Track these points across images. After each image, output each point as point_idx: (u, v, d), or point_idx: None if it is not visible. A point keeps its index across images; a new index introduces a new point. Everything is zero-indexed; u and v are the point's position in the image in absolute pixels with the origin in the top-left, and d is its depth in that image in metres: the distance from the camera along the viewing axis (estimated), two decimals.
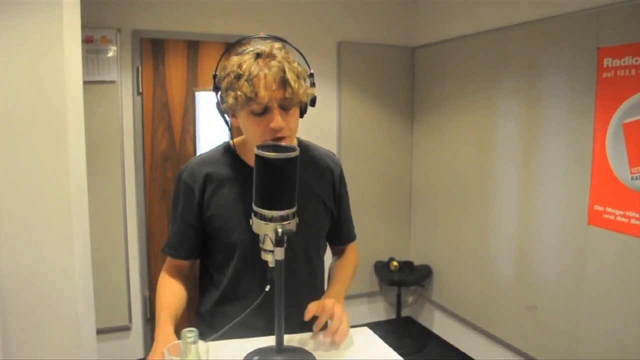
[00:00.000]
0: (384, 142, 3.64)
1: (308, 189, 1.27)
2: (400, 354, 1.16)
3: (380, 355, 1.18)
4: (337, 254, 1.48)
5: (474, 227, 3.12)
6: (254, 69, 1.10)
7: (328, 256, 1.43)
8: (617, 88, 2.20)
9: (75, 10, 1.92)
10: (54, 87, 1.79)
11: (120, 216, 3.01)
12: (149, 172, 3.10)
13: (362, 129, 3.56)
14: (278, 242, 1.02)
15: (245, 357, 1.10)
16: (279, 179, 1.02)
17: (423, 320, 3.72)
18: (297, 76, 1.13)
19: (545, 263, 2.61)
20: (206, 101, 3.18)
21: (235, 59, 1.13)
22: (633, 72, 2.13)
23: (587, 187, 2.35)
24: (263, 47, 1.13)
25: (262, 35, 1.18)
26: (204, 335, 1.01)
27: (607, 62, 2.23)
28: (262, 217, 1.03)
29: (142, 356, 3.14)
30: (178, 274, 1.32)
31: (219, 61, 1.19)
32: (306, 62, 1.21)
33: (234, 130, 1.25)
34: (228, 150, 1.29)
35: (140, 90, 3.02)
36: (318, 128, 2.95)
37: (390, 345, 1.21)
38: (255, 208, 1.04)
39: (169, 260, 1.32)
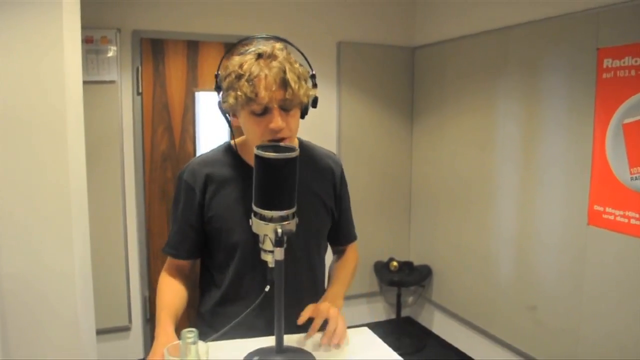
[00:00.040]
0: (384, 142, 3.64)
1: (308, 189, 1.27)
2: (400, 354, 1.16)
3: (380, 356, 1.18)
4: (338, 254, 1.48)
5: (473, 227, 3.12)
6: (255, 69, 1.09)
7: (329, 256, 1.43)
8: (616, 88, 2.20)
9: (75, 11, 1.92)
10: (54, 87, 1.79)
11: (120, 216, 3.00)
12: (148, 172, 3.10)
13: (362, 129, 3.56)
14: (278, 243, 1.02)
15: (245, 357, 1.10)
16: (279, 179, 1.02)
17: (423, 320, 3.72)
18: (298, 77, 1.13)
19: (545, 263, 2.61)
20: (206, 101, 3.18)
21: (236, 59, 1.13)
22: (633, 72, 2.13)
23: (586, 187, 2.35)
24: (265, 47, 1.13)
25: (265, 36, 1.18)
26: (204, 336, 1.01)
27: (607, 62, 2.23)
28: (262, 218, 1.03)
29: (141, 356, 3.14)
30: (178, 274, 1.32)
31: (221, 61, 1.19)
32: (308, 63, 1.21)
33: (235, 130, 1.25)
34: (229, 151, 1.29)
35: (140, 91, 3.02)
36: (318, 128, 2.94)
37: (390, 346, 1.21)
38: (254, 208, 1.04)
39: (169, 260, 1.32)
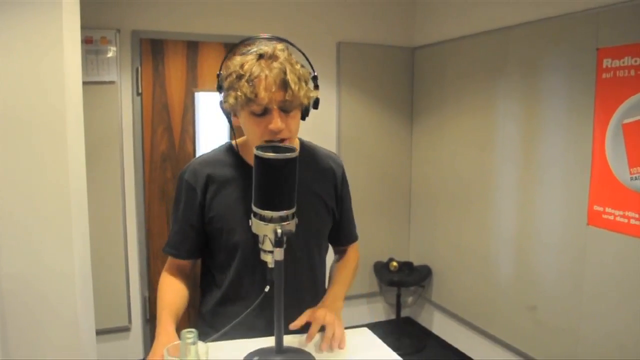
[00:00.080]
0: (384, 143, 3.64)
1: (309, 190, 1.27)
2: (400, 355, 1.16)
3: (379, 356, 1.18)
4: (339, 254, 1.48)
5: (473, 227, 3.12)
6: (255, 70, 1.09)
7: (330, 256, 1.43)
8: (616, 88, 2.20)
9: (74, 11, 1.92)
10: (54, 87, 1.79)
11: (119, 216, 3.00)
12: (148, 172, 3.10)
13: (362, 129, 3.57)
14: (277, 243, 1.02)
15: (245, 357, 1.10)
16: (278, 179, 1.02)
17: (422, 320, 3.72)
18: (299, 78, 1.12)
19: (545, 263, 2.61)
20: (206, 102, 3.18)
21: (238, 59, 1.13)
22: (632, 72, 2.13)
23: (586, 187, 2.35)
24: (266, 48, 1.13)
25: (266, 36, 1.18)
26: (205, 336, 1.01)
27: (607, 62, 2.24)
28: (262, 218, 1.03)
29: (141, 357, 3.14)
30: (179, 274, 1.32)
31: (223, 61, 1.19)
32: (310, 64, 1.21)
33: (236, 130, 1.25)
34: (230, 151, 1.29)
35: (140, 91, 3.02)
36: (318, 128, 2.95)
37: (390, 346, 1.21)
38: (254, 209, 1.04)
39: (170, 260, 1.32)
